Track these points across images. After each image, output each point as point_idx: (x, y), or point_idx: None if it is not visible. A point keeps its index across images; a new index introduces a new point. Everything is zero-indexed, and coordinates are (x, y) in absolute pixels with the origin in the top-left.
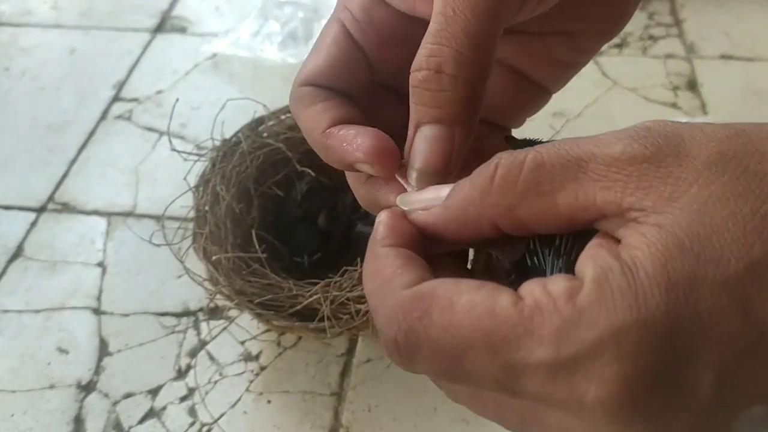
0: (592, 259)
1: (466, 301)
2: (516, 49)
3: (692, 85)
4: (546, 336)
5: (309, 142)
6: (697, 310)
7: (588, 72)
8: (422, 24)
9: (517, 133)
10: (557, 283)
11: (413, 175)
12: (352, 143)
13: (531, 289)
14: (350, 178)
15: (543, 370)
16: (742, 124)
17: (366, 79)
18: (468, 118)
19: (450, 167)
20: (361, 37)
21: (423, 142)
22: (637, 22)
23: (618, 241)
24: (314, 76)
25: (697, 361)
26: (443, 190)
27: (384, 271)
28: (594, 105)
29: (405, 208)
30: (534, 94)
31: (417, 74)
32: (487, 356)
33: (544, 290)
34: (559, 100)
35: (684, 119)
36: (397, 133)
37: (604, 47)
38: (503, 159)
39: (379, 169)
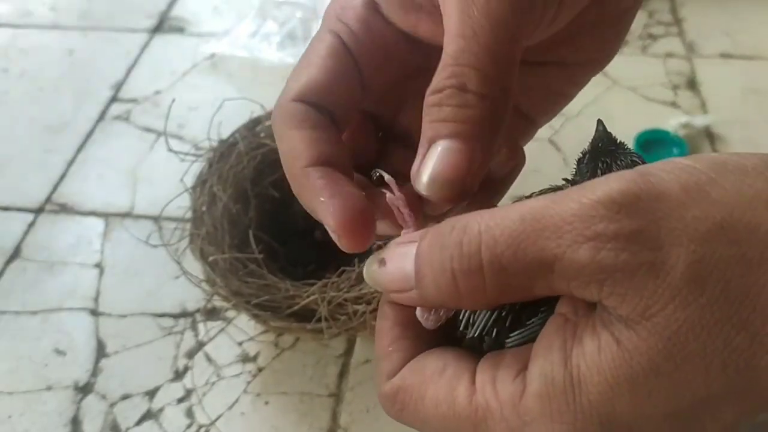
0: (543, 356)
1: (432, 396)
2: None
3: (692, 84)
4: None
5: (284, 167)
6: None
7: None
8: (419, 46)
9: None
10: (504, 384)
11: (422, 185)
12: (329, 204)
13: (483, 383)
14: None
15: None
16: (730, 197)
17: (357, 99)
18: (489, 138)
19: (466, 185)
20: (358, 52)
21: (438, 152)
22: (636, 21)
23: (588, 304)
24: (308, 91)
25: None
26: (407, 262)
27: (380, 342)
28: (593, 104)
29: (373, 285)
30: (520, 125)
31: (437, 95)
32: None
33: (493, 391)
34: None
35: (684, 119)
36: (364, 163)
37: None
38: (455, 263)
39: (345, 243)
